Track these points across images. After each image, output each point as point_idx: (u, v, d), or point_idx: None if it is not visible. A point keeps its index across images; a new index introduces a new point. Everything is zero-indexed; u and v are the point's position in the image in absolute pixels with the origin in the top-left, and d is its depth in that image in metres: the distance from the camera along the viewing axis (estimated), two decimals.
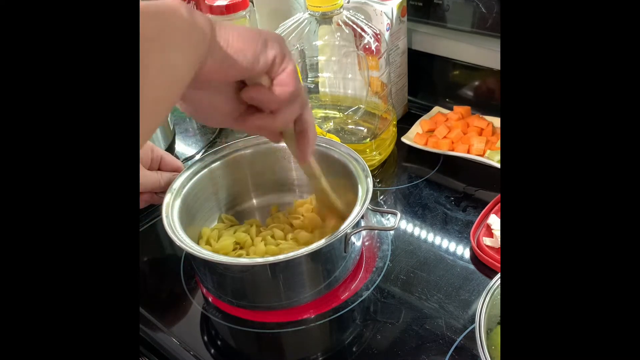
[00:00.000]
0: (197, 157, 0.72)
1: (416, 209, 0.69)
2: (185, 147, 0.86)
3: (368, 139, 0.73)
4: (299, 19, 0.71)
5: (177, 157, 0.74)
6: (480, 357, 0.40)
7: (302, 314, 0.57)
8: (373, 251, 0.64)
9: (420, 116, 0.83)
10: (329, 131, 0.74)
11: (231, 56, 0.39)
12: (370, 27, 0.70)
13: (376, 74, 0.72)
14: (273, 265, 0.52)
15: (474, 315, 0.46)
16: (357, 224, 0.54)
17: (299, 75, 0.72)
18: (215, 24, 0.38)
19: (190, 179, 0.61)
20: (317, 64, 0.75)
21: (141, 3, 0.31)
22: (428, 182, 0.73)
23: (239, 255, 0.59)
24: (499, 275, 0.45)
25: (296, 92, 0.43)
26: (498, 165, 0.71)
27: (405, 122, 0.83)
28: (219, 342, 0.56)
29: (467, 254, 0.62)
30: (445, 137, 0.77)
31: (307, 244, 0.55)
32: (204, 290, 0.61)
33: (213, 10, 0.81)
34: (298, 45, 0.71)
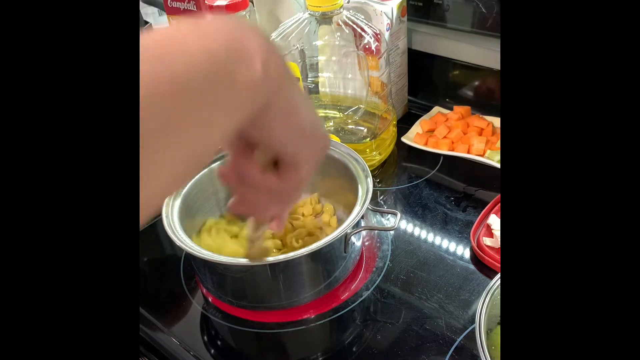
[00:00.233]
0: None
1: (416, 209, 0.69)
2: None
3: (368, 139, 0.73)
4: (299, 19, 0.71)
5: None
6: (480, 357, 0.40)
7: (302, 314, 0.57)
8: (373, 251, 0.64)
9: (420, 116, 0.83)
10: (328, 131, 0.74)
11: (276, 139, 0.32)
12: (370, 27, 0.70)
13: (376, 74, 0.72)
14: (273, 265, 0.52)
15: (474, 315, 0.46)
16: (357, 224, 0.54)
17: (299, 75, 0.72)
18: (283, 81, 0.30)
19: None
20: (317, 64, 0.75)
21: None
22: (428, 182, 0.73)
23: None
24: (499, 275, 0.45)
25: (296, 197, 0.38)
26: (498, 165, 0.71)
27: (405, 122, 0.83)
28: (219, 342, 0.56)
29: (467, 254, 0.62)
30: (445, 137, 0.77)
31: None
32: (204, 290, 0.61)
33: (213, 10, 0.80)
34: (298, 45, 0.71)
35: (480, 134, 0.77)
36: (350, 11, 0.71)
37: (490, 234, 0.62)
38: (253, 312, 0.57)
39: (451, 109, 0.82)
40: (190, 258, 0.61)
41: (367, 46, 0.70)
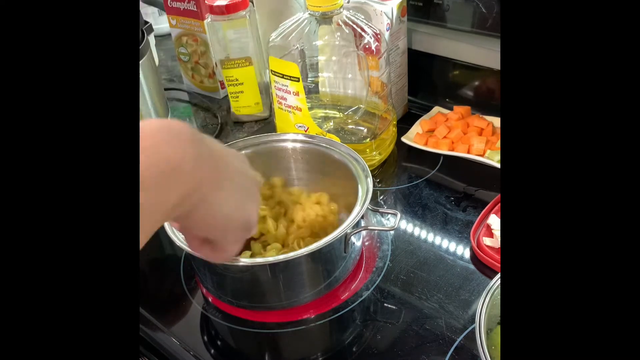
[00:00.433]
0: None
1: (416, 209, 0.69)
2: None
3: (368, 139, 0.73)
4: (299, 19, 0.71)
5: None
6: (480, 357, 0.40)
7: (302, 314, 0.57)
8: (373, 251, 0.64)
9: (420, 116, 0.83)
10: (329, 131, 0.74)
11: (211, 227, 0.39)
12: (370, 27, 0.70)
13: (376, 74, 0.72)
14: (273, 265, 0.52)
15: (474, 315, 0.46)
16: (357, 224, 0.54)
17: (299, 75, 0.72)
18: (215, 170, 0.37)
19: None
20: (317, 64, 0.75)
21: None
22: (428, 182, 0.73)
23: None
24: (499, 275, 0.45)
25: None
26: (498, 165, 0.71)
27: (405, 122, 0.83)
28: (219, 342, 0.56)
29: (467, 254, 0.62)
30: (445, 137, 0.77)
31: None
32: (204, 290, 0.61)
33: (213, 10, 0.80)
34: (298, 45, 0.71)
35: (480, 134, 0.77)
36: (350, 11, 0.71)
37: (490, 234, 0.62)
38: (253, 312, 0.57)
39: (451, 109, 0.82)
40: (190, 258, 0.61)
41: (367, 46, 0.70)
